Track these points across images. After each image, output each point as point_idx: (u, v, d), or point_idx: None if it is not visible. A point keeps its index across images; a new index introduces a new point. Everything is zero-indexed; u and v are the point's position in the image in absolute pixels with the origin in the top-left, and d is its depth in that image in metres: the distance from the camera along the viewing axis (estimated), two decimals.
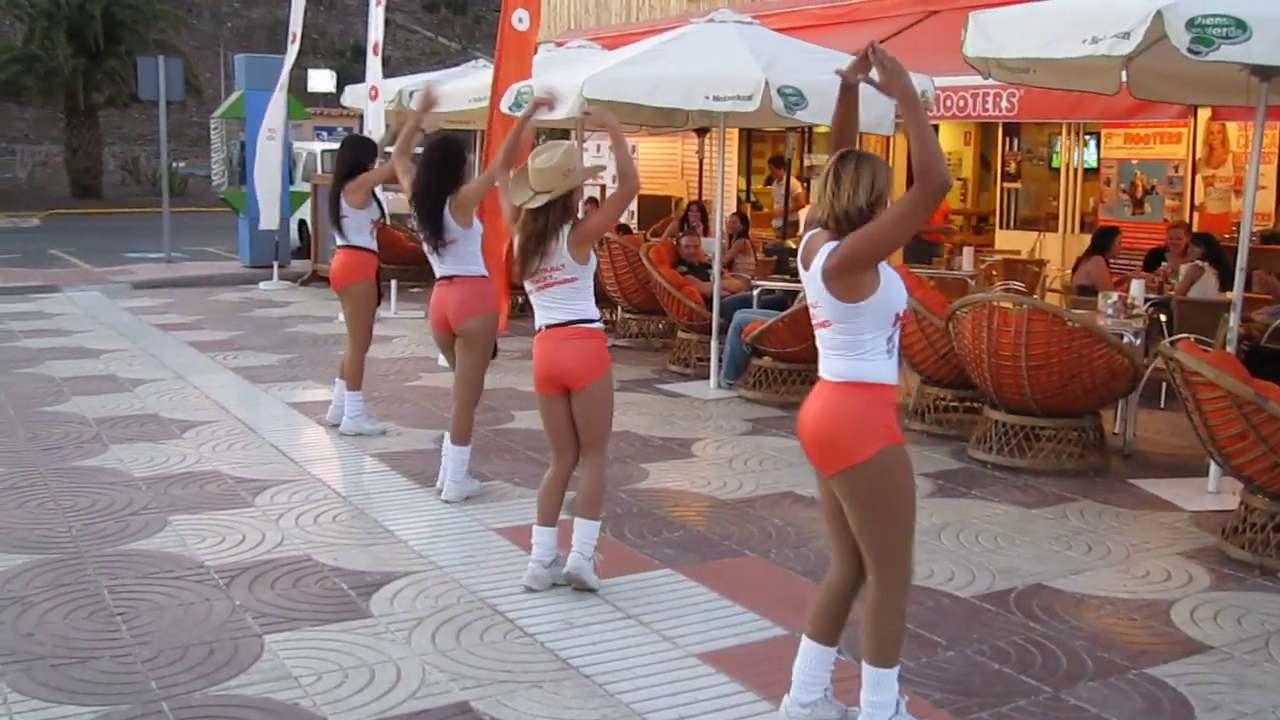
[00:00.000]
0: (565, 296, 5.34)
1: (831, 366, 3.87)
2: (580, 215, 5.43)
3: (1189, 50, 6.10)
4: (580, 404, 5.36)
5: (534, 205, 5.21)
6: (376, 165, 8.18)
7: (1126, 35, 6.27)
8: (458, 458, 6.82)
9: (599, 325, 5.40)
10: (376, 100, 13.43)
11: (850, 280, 3.73)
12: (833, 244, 3.76)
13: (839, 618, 4.07)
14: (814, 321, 3.93)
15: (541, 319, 5.41)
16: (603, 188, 18.17)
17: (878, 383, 3.82)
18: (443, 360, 8.35)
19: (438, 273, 6.80)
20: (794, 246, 13.85)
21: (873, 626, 3.90)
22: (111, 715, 4.22)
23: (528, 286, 5.40)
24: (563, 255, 5.26)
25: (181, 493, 6.91)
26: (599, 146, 18.67)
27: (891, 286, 3.81)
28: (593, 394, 5.34)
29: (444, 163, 6.64)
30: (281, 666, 4.63)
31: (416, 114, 7.59)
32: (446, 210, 6.60)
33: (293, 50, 16.15)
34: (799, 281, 10.98)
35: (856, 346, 3.80)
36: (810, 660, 4.08)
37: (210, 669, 4.59)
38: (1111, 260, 10.73)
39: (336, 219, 8.11)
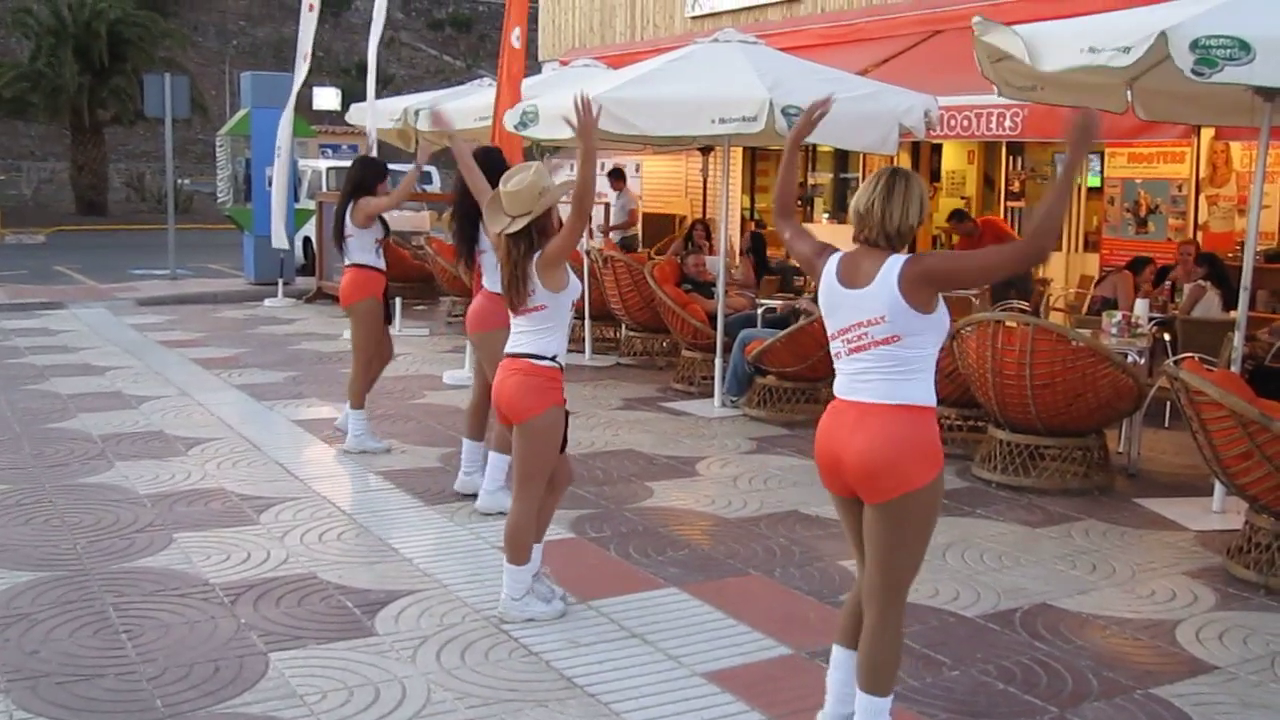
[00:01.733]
0: (531, 326, 5.25)
1: (884, 390, 3.78)
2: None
3: (1193, 72, 6.13)
4: (516, 439, 5.29)
5: (514, 230, 5.15)
6: (389, 185, 8.22)
7: (1126, 50, 6.31)
8: (495, 465, 6.85)
9: (550, 364, 5.23)
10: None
11: (928, 293, 3.76)
12: (900, 257, 3.78)
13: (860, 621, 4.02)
14: (860, 343, 3.82)
15: (508, 347, 5.36)
16: (607, 206, 18.22)
17: (930, 406, 3.82)
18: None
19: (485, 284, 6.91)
20: (797, 265, 13.89)
21: (874, 653, 3.87)
22: None
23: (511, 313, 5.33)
24: (534, 281, 5.19)
25: (187, 510, 6.92)
26: (603, 165, 18.70)
27: (944, 306, 3.87)
28: (529, 430, 5.22)
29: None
30: (287, 685, 4.63)
31: (455, 136, 7.52)
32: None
33: (303, 69, 16.20)
34: (797, 297, 10.92)
35: (920, 363, 3.79)
36: (843, 669, 4.06)
37: (215, 687, 4.59)
38: (1138, 285, 10.72)
39: (340, 238, 8.14)
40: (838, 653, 4.10)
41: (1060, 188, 3.69)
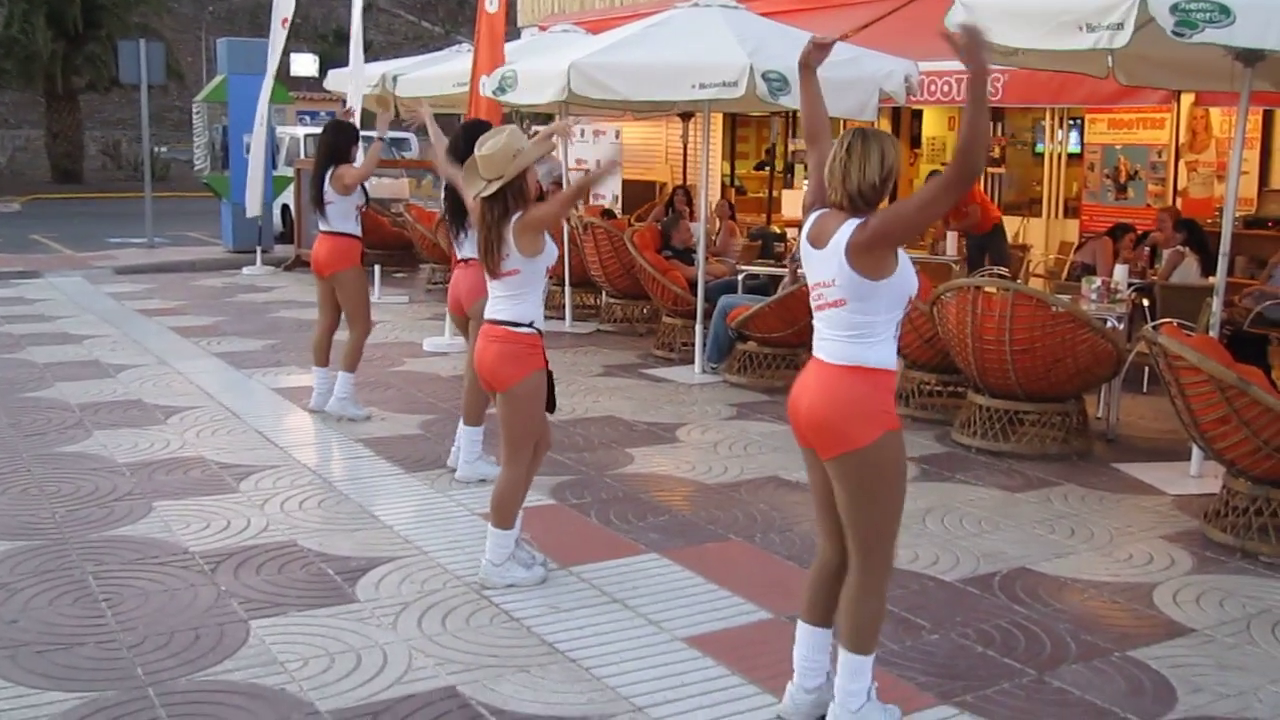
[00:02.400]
0: (507, 291, 5.24)
1: (835, 350, 3.83)
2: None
3: (1173, 32, 6.12)
4: (500, 405, 5.31)
5: (489, 193, 5.13)
6: (359, 150, 8.17)
7: (1120, 26, 6.30)
8: (470, 436, 6.86)
9: (529, 331, 5.24)
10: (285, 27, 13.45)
11: (875, 256, 3.73)
12: (855, 220, 3.76)
13: (832, 599, 4.03)
14: (819, 302, 3.88)
15: (485, 312, 5.37)
16: (586, 172, 18.14)
17: (881, 368, 3.81)
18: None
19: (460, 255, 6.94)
20: (778, 231, 13.90)
21: (854, 613, 3.89)
22: (97, 701, 4.21)
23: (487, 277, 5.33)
24: (509, 244, 5.18)
25: (166, 478, 6.89)
26: (583, 131, 18.64)
27: (906, 269, 3.83)
28: (511, 397, 5.23)
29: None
30: (268, 652, 4.62)
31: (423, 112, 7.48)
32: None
33: (282, 35, 16.02)
34: (783, 266, 10.95)
35: (868, 329, 3.78)
36: (808, 645, 4.08)
37: (196, 655, 4.59)
38: (1118, 252, 10.72)
39: (320, 204, 8.08)
40: (800, 628, 4.12)
41: (975, 104, 3.53)
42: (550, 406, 5.36)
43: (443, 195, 6.93)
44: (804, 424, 3.90)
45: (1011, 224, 14.22)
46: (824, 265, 3.83)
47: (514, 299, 5.24)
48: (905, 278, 3.83)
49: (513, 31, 16.28)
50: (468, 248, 6.82)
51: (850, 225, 3.76)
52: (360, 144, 8.28)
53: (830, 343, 3.85)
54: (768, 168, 18.51)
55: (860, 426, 3.77)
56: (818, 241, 3.87)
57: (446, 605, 5.10)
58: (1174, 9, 6.08)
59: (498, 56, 10.67)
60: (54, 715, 4.12)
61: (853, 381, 3.80)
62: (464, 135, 6.58)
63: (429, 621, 4.93)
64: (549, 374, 5.32)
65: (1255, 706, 4.34)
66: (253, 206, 16.67)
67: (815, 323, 3.93)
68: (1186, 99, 12.44)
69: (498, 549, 5.32)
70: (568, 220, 12.04)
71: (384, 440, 7.77)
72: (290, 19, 16.00)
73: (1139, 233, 11.20)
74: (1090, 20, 6.51)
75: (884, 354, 3.82)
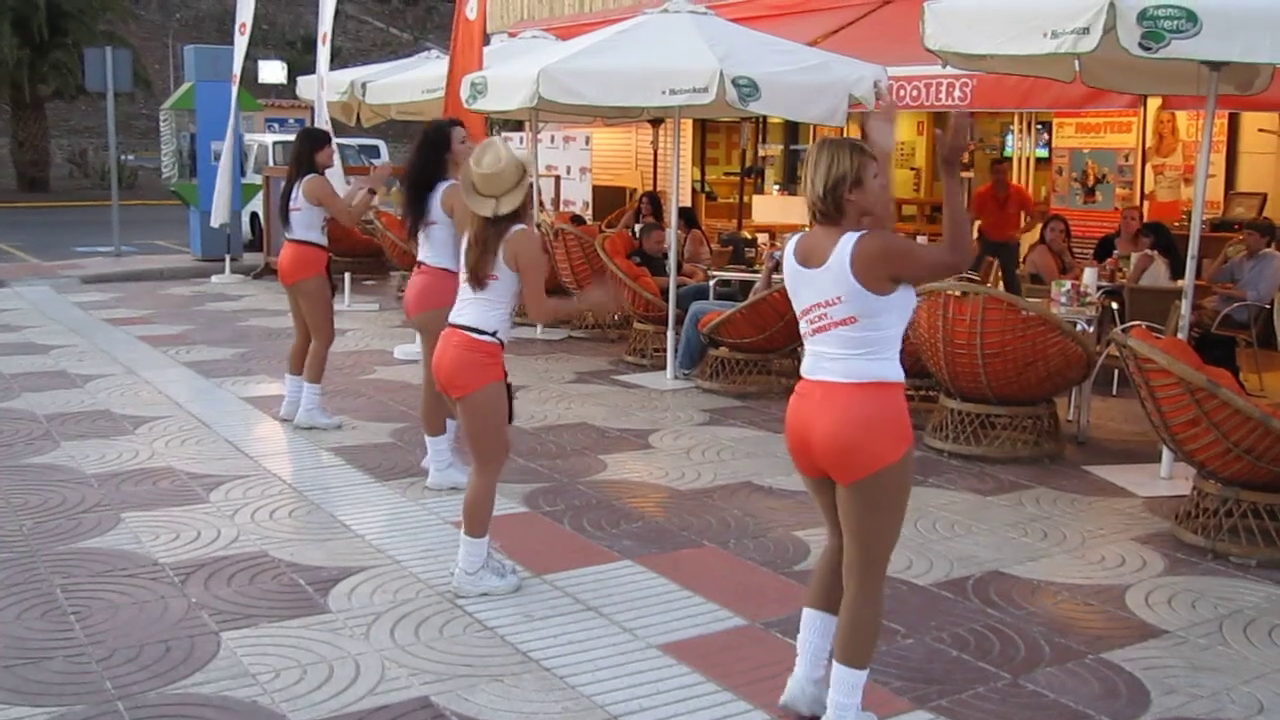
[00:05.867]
0: (479, 296, 5.20)
1: (848, 368, 3.75)
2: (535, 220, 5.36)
3: (1140, 46, 6.17)
4: (460, 413, 5.28)
5: (505, 210, 5.06)
6: (334, 154, 8.16)
7: (1086, 30, 6.32)
8: (435, 444, 6.85)
9: (490, 340, 5.19)
10: (244, 33, 13.19)
11: (883, 274, 3.70)
12: (852, 236, 3.72)
13: (840, 585, 3.98)
14: (820, 324, 3.79)
15: (451, 315, 5.33)
16: (557, 179, 18.14)
17: (898, 382, 3.79)
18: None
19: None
20: (749, 237, 13.90)
21: (856, 626, 3.87)
22: (66, 716, 4.16)
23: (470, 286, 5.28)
24: (498, 259, 5.13)
25: (134, 489, 6.83)
26: (553, 137, 18.62)
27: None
28: (470, 405, 5.20)
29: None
30: (239, 664, 4.58)
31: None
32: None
33: (242, 41, 15.95)
34: (755, 272, 10.94)
35: (882, 344, 3.74)
36: (819, 633, 4.06)
37: (166, 668, 4.54)
38: (1052, 248, 10.79)
39: (285, 212, 8.04)
40: (808, 614, 4.09)
41: (953, 201, 3.76)
42: (510, 417, 5.32)
43: (404, 195, 6.90)
44: (822, 451, 3.78)
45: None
46: (823, 283, 3.77)
47: (484, 304, 5.20)
48: (909, 292, 3.82)
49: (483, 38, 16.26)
50: (423, 252, 6.81)
51: (849, 239, 3.72)
52: (332, 147, 8.23)
53: (840, 362, 3.77)
54: (755, 174, 18.50)
55: (889, 443, 3.73)
56: (809, 260, 3.82)
57: (419, 615, 5.07)
58: (1142, 17, 6.11)
59: (475, 63, 10.62)
60: None
61: (875, 398, 3.75)
62: (435, 139, 6.70)
63: (402, 631, 4.90)
64: (508, 385, 5.28)
65: (1228, 707, 4.36)
66: (218, 215, 16.53)
67: (813, 346, 3.84)
68: (1153, 103, 12.54)
69: (471, 557, 5.30)
70: (539, 226, 12.02)
71: (355, 449, 7.73)
72: (249, 25, 15.92)
73: (1106, 235, 11.30)
74: (1056, 26, 6.53)
75: (898, 367, 3.81)
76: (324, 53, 12.78)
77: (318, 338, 8.20)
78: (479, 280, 5.18)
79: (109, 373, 10.20)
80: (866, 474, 3.73)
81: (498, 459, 5.34)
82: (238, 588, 5.36)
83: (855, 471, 3.74)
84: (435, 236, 6.77)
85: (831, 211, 3.78)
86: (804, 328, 3.89)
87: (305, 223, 8.03)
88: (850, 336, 3.75)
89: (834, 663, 3.93)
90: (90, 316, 13.55)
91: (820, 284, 3.78)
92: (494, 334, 5.21)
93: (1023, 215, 12.80)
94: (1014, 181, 13.72)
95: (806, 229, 3.96)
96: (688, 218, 12.97)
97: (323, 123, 12.58)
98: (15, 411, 8.71)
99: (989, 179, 13.26)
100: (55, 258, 19.41)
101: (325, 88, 12.74)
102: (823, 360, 3.81)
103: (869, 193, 3.79)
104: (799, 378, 3.95)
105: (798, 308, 3.90)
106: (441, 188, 6.70)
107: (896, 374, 3.79)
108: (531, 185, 5.23)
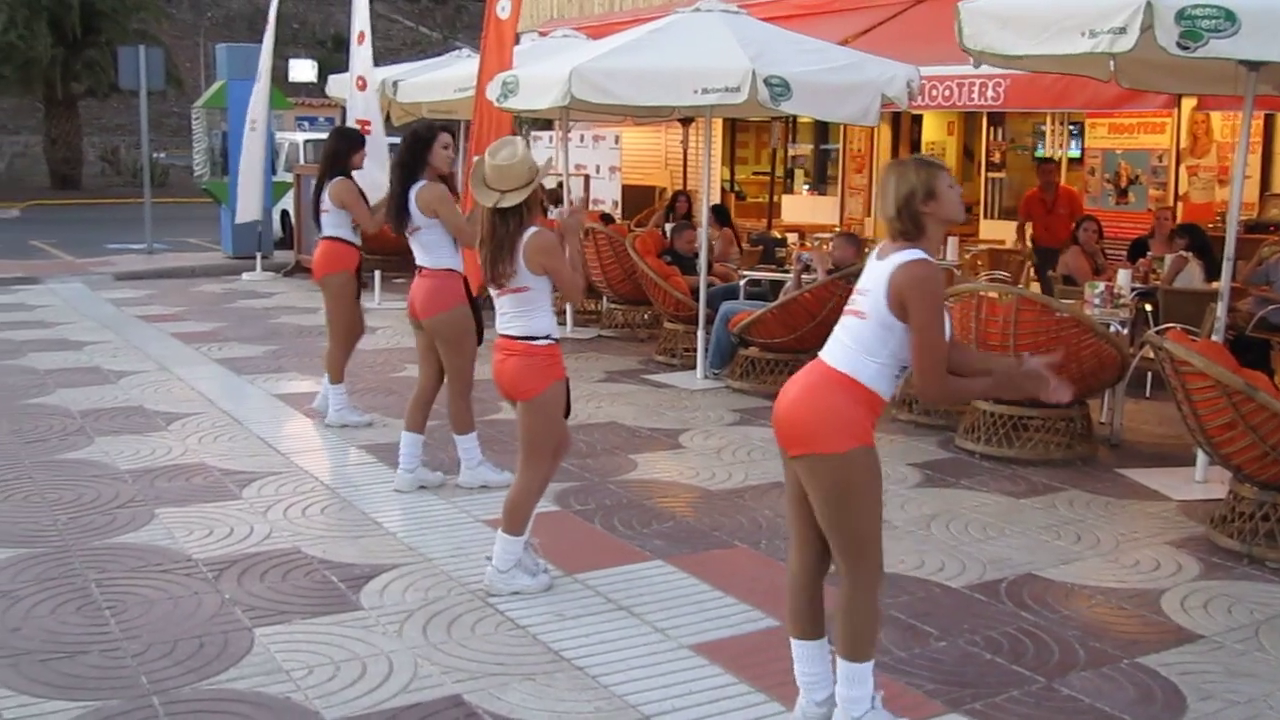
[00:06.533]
0: (516, 307, 5.23)
1: (840, 355, 3.84)
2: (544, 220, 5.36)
3: (1178, 45, 6.11)
4: (520, 413, 5.29)
5: (506, 205, 5.09)
6: (362, 155, 8.16)
7: (1123, 30, 6.27)
8: (464, 444, 6.88)
9: (546, 342, 5.24)
10: (365, 90, 13.08)
11: (900, 309, 3.75)
12: (913, 253, 3.77)
13: (816, 609, 4.02)
14: (849, 306, 3.90)
15: (498, 325, 5.34)
16: (586, 178, 18.14)
17: (873, 390, 3.81)
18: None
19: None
20: (779, 236, 13.88)
21: (846, 622, 3.88)
22: (101, 710, 4.19)
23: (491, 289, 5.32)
24: (518, 261, 5.15)
25: (168, 485, 6.87)
26: (583, 136, 18.63)
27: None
28: (532, 406, 5.22)
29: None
30: (272, 660, 4.60)
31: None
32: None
33: (269, 38, 15.99)
34: (786, 272, 10.92)
35: (878, 352, 3.79)
36: (805, 660, 4.05)
37: (200, 663, 4.56)
38: (1089, 251, 10.70)
39: (316, 211, 8.07)
40: (794, 645, 4.07)
41: (982, 384, 4.09)
42: (566, 412, 5.35)
43: (390, 201, 6.85)
44: (780, 416, 3.91)
45: (1012, 229, 14.22)
46: (870, 275, 3.86)
47: (526, 314, 5.22)
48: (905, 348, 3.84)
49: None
50: (420, 257, 6.79)
51: (906, 255, 3.77)
52: (365, 151, 8.25)
53: (839, 346, 3.87)
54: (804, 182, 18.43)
55: (830, 434, 3.76)
56: (881, 254, 3.91)
57: (451, 613, 5.08)
58: (1180, 16, 6.06)
59: (506, 62, 10.63)
60: None
61: (840, 389, 3.80)
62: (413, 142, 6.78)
63: (434, 629, 4.91)
64: (567, 381, 5.32)
65: (1266, 714, 4.32)
66: (245, 213, 16.56)
67: (837, 326, 3.95)
68: (1188, 103, 12.44)
69: (505, 555, 5.30)
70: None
71: (386, 447, 7.75)
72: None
73: (1091, 221, 11.17)
74: (1093, 25, 6.48)
75: (882, 380, 3.82)
76: (360, 53, 12.71)
77: (334, 336, 8.21)
78: (497, 280, 5.19)
79: (142, 369, 10.27)
80: (802, 452, 3.79)
81: (547, 457, 5.35)
82: (271, 584, 5.38)
83: (791, 445, 3.83)
84: (424, 240, 6.73)
85: (910, 229, 3.82)
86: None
87: (334, 222, 8.05)
88: (856, 328, 3.83)
89: (838, 659, 3.92)
90: (123, 313, 13.64)
91: (871, 274, 3.87)
92: (547, 336, 5.26)
93: (1074, 220, 12.09)
94: (1062, 183, 13.37)
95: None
96: (721, 215, 12.96)
97: (371, 115, 12.51)
98: (50, 407, 8.77)
99: (1036, 181, 12.89)
100: (88, 255, 19.55)
101: (369, 87, 12.65)
102: (833, 340, 3.92)
103: (946, 203, 3.83)
104: None
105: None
106: (413, 190, 6.67)
107: (876, 383, 3.80)
108: (542, 188, 5.24)
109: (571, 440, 5.79)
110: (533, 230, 5.16)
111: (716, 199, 15.75)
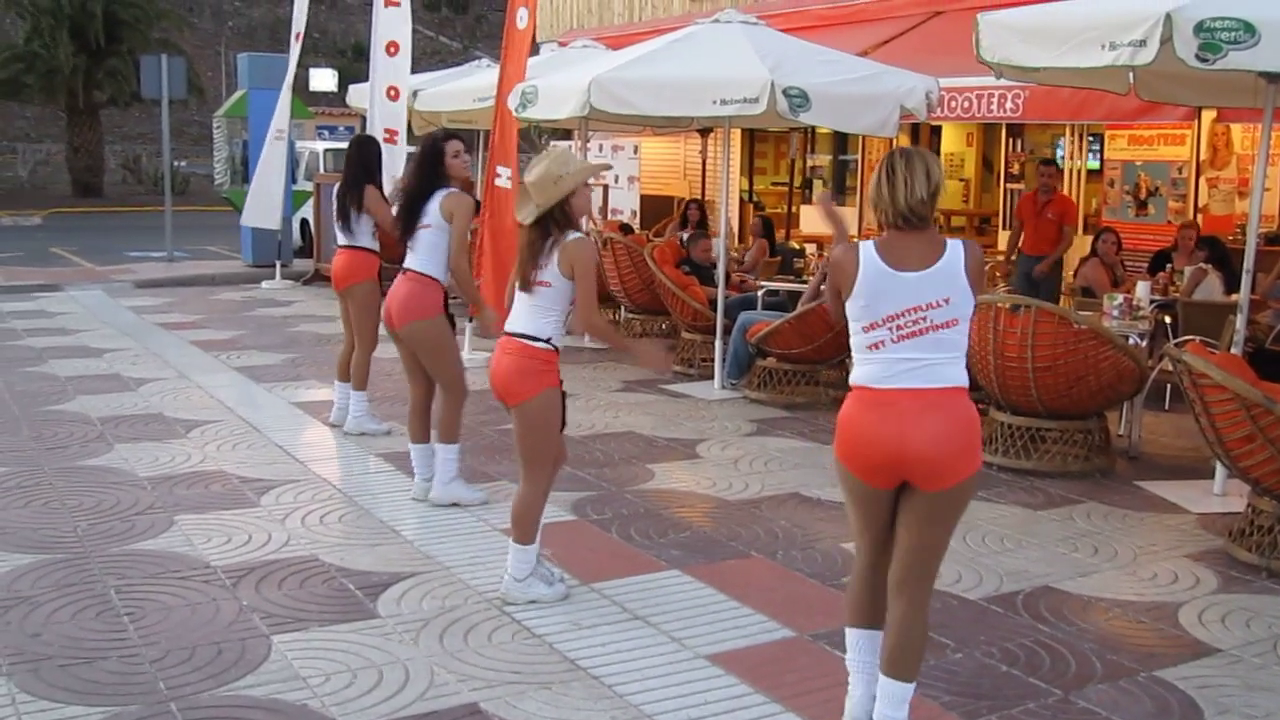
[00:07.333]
0: (529, 304, 5.21)
1: (947, 374, 3.77)
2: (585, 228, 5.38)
3: (1197, 58, 6.11)
4: (514, 420, 5.28)
5: (527, 220, 5.14)
6: (381, 169, 8.25)
7: (1143, 43, 6.27)
8: (443, 457, 6.81)
9: (545, 346, 5.19)
10: (398, 100, 12.97)
11: (978, 284, 3.83)
12: (959, 243, 3.81)
13: (880, 598, 3.99)
14: (918, 327, 3.73)
15: (506, 325, 5.34)
16: (605, 188, 18.19)
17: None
18: None
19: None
20: (798, 247, 13.87)
21: (909, 639, 3.86)
22: (120, 716, 4.21)
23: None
24: (550, 261, 5.14)
25: (187, 492, 6.90)
26: (601, 146, 18.67)
27: None
28: (524, 413, 5.20)
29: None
30: (289, 667, 4.62)
31: None
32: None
33: (296, 49, 16.09)
34: (804, 282, 10.89)
35: (963, 348, 3.83)
36: (866, 650, 4.05)
37: (218, 669, 4.59)
38: (1104, 260, 10.65)
39: (345, 218, 8.09)
40: (856, 634, 4.07)
41: None
42: (561, 424, 5.34)
43: (402, 199, 6.91)
44: (919, 458, 3.70)
45: None
46: (929, 285, 3.75)
47: (538, 311, 5.20)
48: None
49: (532, 47, 16.33)
50: (410, 259, 6.81)
51: (958, 246, 3.79)
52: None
53: (939, 367, 3.75)
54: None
55: (979, 450, 3.82)
56: (905, 263, 3.77)
57: (468, 621, 5.09)
58: (1199, 28, 6.05)
59: (521, 72, 10.68)
60: None
61: (968, 404, 3.82)
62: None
63: (451, 637, 4.92)
64: (563, 392, 5.30)
65: None
66: (250, 217, 16.62)
67: (898, 352, 3.76)
68: (1208, 115, 12.39)
69: (519, 564, 5.31)
70: (586, 234, 12.03)
71: (404, 455, 7.73)
72: (302, 34, 16.05)
73: (1161, 250, 11.16)
74: (1113, 38, 6.49)
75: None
76: (394, 63, 12.69)
77: (360, 344, 8.26)
78: (527, 284, 5.21)
79: (161, 376, 10.32)
80: (957, 481, 3.74)
81: (546, 466, 5.35)
82: (288, 591, 5.40)
83: (949, 478, 3.73)
84: (424, 240, 6.73)
85: (927, 215, 3.81)
86: (878, 336, 3.78)
87: (361, 229, 8.09)
88: (950, 339, 3.78)
89: (881, 677, 3.91)
90: (143, 320, 13.71)
91: (922, 287, 3.75)
92: (548, 340, 5.23)
93: (1062, 229, 11.77)
94: (1062, 191, 12.96)
95: (873, 236, 3.95)
96: (767, 228, 12.80)
97: (399, 124, 12.56)
98: (70, 414, 8.83)
99: (1040, 178, 12.15)
100: (108, 262, 19.65)
101: (400, 97, 12.63)
102: (913, 366, 3.74)
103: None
104: (848, 389, 3.92)
105: (879, 314, 3.77)
106: (440, 195, 6.70)
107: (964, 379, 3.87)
108: (571, 191, 5.24)
109: (567, 453, 5.77)
110: (577, 235, 5.19)
111: (735, 209, 15.76)
